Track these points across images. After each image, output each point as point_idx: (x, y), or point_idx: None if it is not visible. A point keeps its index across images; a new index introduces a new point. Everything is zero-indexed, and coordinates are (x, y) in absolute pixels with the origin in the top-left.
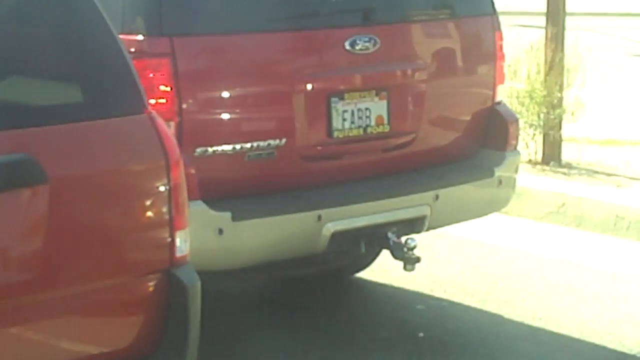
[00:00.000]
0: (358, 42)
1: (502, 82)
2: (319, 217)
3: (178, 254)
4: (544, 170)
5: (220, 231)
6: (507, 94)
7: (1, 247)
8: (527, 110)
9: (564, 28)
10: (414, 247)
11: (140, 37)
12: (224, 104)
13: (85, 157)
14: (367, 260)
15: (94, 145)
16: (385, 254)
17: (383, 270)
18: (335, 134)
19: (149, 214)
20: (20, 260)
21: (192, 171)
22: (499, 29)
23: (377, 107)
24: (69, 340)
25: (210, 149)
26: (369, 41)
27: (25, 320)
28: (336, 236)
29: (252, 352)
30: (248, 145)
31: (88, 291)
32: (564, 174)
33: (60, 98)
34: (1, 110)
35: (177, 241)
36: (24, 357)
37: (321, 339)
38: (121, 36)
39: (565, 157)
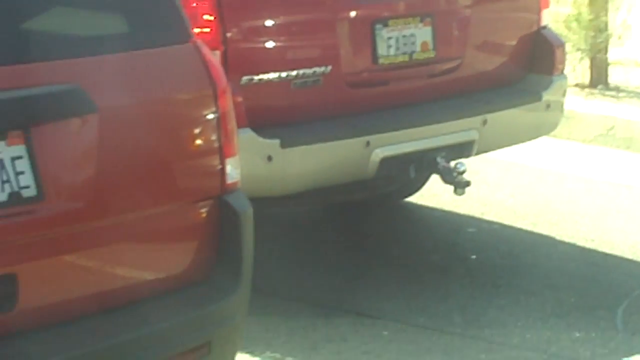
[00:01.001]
0: None
1: (547, 6)
2: (368, 143)
3: (229, 181)
4: (592, 93)
5: (270, 158)
6: (553, 18)
7: (53, 176)
8: (574, 34)
9: None
10: (464, 172)
11: None
12: (268, 32)
13: (132, 86)
14: (417, 185)
15: (141, 75)
16: (434, 178)
17: (432, 194)
18: (381, 60)
19: (199, 141)
20: (72, 188)
21: (239, 99)
22: None
23: (422, 33)
24: (123, 267)
25: (256, 77)
26: None
27: (80, 249)
28: (385, 161)
29: (303, 277)
30: (294, 72)
31: (141, 218)
32: (612, 97)
33: (106, 28)
34: (49, 41)
35: (228, 168)
36: (80, 284)
37: (373, 263)
38: None
39: (612, 80)
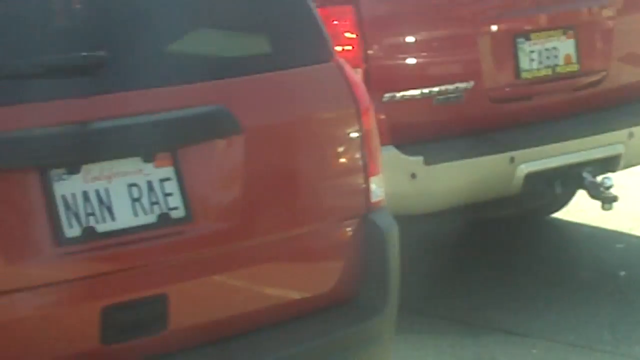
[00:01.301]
0: None
1: None
2: (512, 159)
3: (374, 199)
4: None
5: (413, 175)
6: None
7: (200, 197)
8: None
9: None
10: (611, 186)
11: None
12: (409, 49)
13: (277, 106)
14: (563, 201)
15: (285, 95)
16: (580, 193)
17: (579, 209)
18: (523, 74)
19: (343, 160)
20: (219, 209)
21: (382, 117)
22: None
23: (565, 46)
24: (270, 287)
25: (398, 94)
26: None
27: (227, 269)
28: (530, 177)
29: (450, 295)
30: (436, 89)
31: (287, 238)
32: None
33: (251, 49)
34: (195, 63)
35: (372, 186)
36: (227, 305)
37: (521, 280)
38: None
39: None
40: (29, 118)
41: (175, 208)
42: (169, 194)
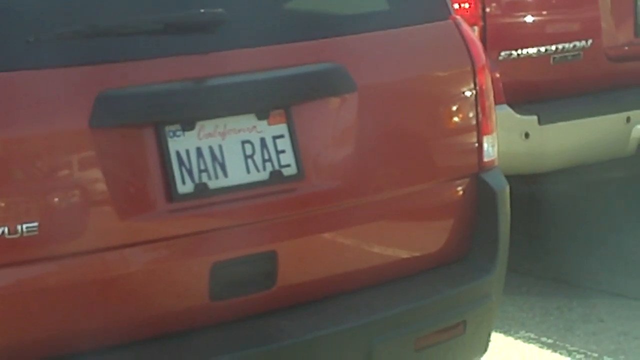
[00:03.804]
0: None
1: None
2: (628, 119)
3: (486, 159)
4: None
5: (527, 135)
6: None
7: (312, 155)
8: None
9: None
10: None
11: None
12: (527, 6)
13: (392, 64)
14: None
15: (401, 53)
16: None
17: None
18: None
19: (456, 119)
20: (331, 167)
21: (497, 75)
22: None
23: None
24: (379, 245)
25: (514, 53)
26: None
27: (337, 227)
28: None
29: (558, 257)
30: (553, 47)
31: (397, 197)
32: None
33: (367, 6)
34: (311, 20)
35: (485, 146)
36: (335, 262)
37: (631, 244)
38: None
39: None
40: (146, 74)
41: (287, 165)
42: (282, 151)
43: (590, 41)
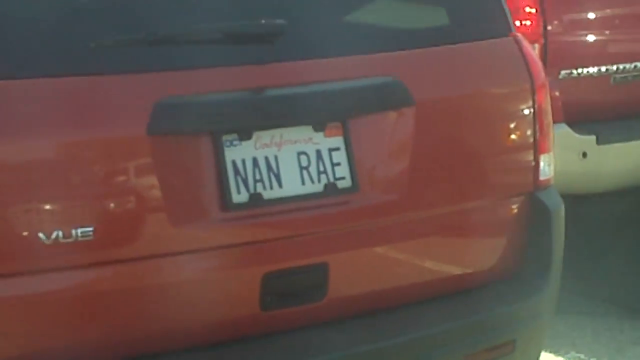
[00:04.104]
0: None
1: None
2: None
3: (542, 177)
4: None
5: (584, 155)
6: None
7: (368, 168)
8: None
9: None
10: None
11: None
12: (589, 25)
13: (450, 79)
14: None
15: (460, 68)
16: None
17: None
18: None
19: (514, 136)
20: (386, 181)
21: (557, 94)
22: None
23: None
24: (431, 261)
25: (575, 72)
26: None
27: (390, 241)
28: None
29: (612, 278)
30: (614, 67)
31: (452, 213)
32: None
33: (427, 21)
34: (370, 34)
35: (541, 164)
36: (386, 276)
37: None
38: None
39: None
40: (204, 83)
41: (342, 178)
42: (337, 164)
43: None
